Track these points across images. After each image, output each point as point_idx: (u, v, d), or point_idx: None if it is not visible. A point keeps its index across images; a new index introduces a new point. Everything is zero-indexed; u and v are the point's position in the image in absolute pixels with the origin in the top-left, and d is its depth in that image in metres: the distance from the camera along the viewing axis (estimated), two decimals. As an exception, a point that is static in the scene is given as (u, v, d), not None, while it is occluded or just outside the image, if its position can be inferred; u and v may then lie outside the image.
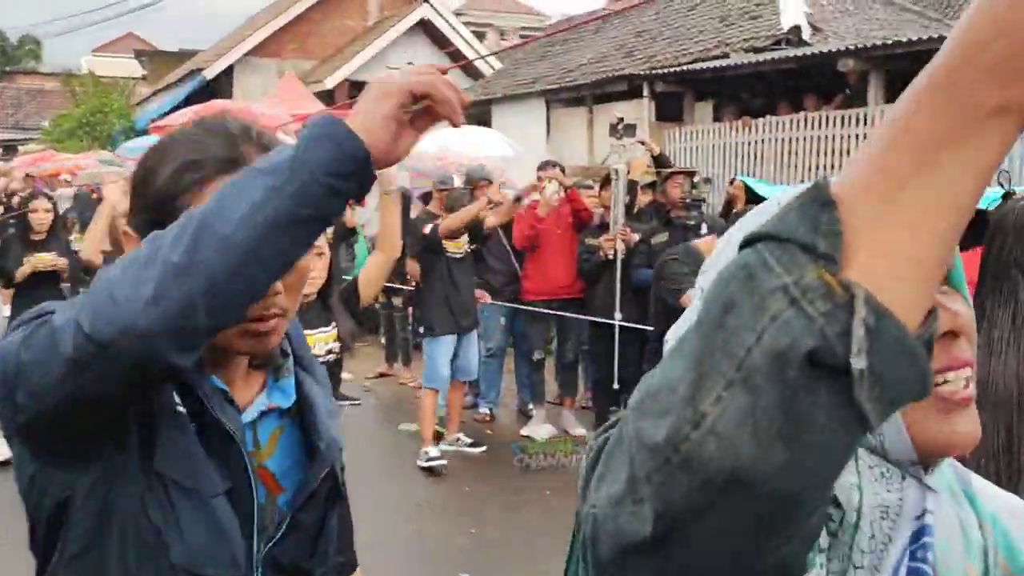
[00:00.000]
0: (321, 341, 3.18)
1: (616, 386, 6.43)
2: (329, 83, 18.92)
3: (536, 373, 7.22)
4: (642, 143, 7.45)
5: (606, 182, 6.93)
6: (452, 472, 6.02)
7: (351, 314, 3.29)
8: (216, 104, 10.67)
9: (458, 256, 6.33)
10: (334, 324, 3.22)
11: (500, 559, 4.68)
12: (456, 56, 20.31)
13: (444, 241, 6.19)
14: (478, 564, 4.48)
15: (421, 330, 7.17)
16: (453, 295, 6.26)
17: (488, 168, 7.29)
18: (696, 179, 6.79)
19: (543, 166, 7.02)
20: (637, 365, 6.45)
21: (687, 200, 6.46)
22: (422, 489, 5.79)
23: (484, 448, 6.49)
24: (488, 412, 7.40)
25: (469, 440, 6.57)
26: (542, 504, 5.39)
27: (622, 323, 6.28)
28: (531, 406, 7.23)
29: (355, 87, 19.22)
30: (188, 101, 15.95)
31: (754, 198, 6.68)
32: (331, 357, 3.20)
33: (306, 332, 3.13)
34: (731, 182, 7.24)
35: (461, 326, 6.31)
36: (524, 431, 6.95)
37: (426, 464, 6.07)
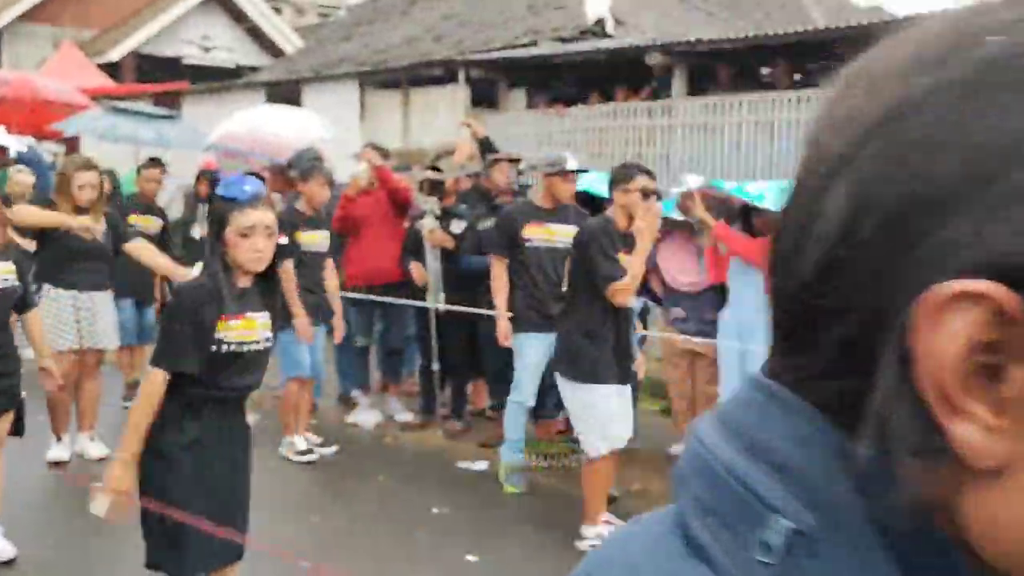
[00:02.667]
0: (262, 327, 3.05)
1: (436, 369, 6.46)
2: (114, 55, 17.63)
3: (359, 360, 7.10)
4: (468, 125, 7.44)
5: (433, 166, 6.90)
6: (283, 466, 5.84)
7: None
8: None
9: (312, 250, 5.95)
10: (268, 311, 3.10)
11: (341, 547, 4.61)
12: (255, 32, 19.52)
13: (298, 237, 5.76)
14: (320, 553, 4.38)
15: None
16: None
17: (317, 150, 7.05)
18: (521, 166, 6.89)
19: (366, 148, 6.88)
20: (463, 351, 6.50)
21: (513, 187, 6.58)
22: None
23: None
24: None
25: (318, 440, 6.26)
26: (376, 489, 5.38)
27: (448, 308, 6.30)
28: (354, 394, 7.10)
29: (144, 60, 18.01)
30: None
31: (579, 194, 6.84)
32: (268, 344, 3.09)
33: (249, 315, 3.00)
34: None
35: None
36: (350, 419, 6.84)
37: (295, 458, 5.89)
